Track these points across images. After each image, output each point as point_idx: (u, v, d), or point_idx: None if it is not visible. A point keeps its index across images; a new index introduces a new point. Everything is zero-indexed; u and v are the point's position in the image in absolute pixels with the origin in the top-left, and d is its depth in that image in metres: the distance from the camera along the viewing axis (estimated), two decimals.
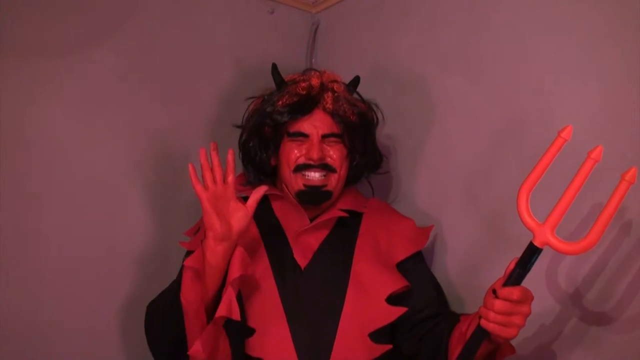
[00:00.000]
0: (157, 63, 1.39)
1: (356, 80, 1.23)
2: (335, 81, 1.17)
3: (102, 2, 1.30)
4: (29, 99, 1.19)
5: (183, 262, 1.07)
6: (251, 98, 1.22)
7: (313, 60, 1.71)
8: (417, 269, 1.12)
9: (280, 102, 1.12)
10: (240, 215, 0.96)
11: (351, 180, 1.21)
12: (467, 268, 1.21)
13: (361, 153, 1.18)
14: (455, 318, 1.01)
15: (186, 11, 1.45)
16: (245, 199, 1.11)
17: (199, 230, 1.13)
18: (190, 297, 0.93)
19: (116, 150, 1.31)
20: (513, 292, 0.79)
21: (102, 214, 1.28)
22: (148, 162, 1.36)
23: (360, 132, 1.16)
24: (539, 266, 1.00)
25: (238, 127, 1.22)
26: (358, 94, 1.23)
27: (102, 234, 1.28)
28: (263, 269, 1.05)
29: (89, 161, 1.27)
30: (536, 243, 0.77)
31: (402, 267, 1.09)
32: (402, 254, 1.10)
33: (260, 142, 1.15)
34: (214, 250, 0.93)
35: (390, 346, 1.01)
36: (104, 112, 1.29)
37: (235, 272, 0.93)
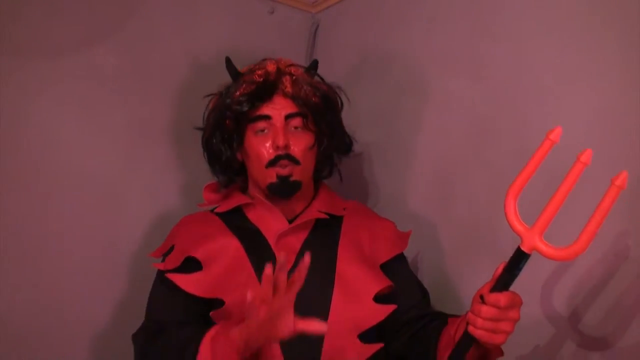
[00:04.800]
0: (157, 63, 1.40)
1: (314, 64, 1.20)
2: (293, 65, 1.14)
3: (101, 2, 1.31)
4: (28, 99, 1.20)
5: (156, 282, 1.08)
6: (209, 95, 1.18)
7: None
8: (401, 271, 1.11)
9: (238, 92, 1.08)
10: (285, 330, 0.81)
11: (321, 166, 1.18)
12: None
13: (329, 136, 1.14)
14: (443, 320, 0.99)
15: (186, 11, 1.46)
16: (220, 215, 1.12)
17: (171, 251, 1.09)
18: None
19: (116, 150, 1.32)
20: (500, 298, 0.77)
21: (101, 213, 1.29)
22: (148, 161, 1.37)
23: (324, 113, 1.12)
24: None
25: (199, 129, 1.18)
26: (320, 76, 1.18)
27: (102, 234, 1.29)
28: (247, 277, 1.02)
29: (88, 161, 1.28)
30: (524, 248, 0.74)
31: (386, 268, 1.07)
32: (385, 256, 1.09)
33: (223, 136, 1.11)
34: (245, 348, 0.85)
35: (381, 345, 0.99)
36: (103, 112, 1.30)
37: None
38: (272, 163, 1.06)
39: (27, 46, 1.21)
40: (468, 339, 0.82)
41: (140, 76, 1.36)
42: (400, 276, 1.09)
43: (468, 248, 1.18)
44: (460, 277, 1.19)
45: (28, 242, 1.18)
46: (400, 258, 1.14)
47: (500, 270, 0.79)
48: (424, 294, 1.13)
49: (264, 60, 1.16)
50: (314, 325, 0.81)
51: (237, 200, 1.14)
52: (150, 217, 1.36)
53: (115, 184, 1.31)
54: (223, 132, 1.11)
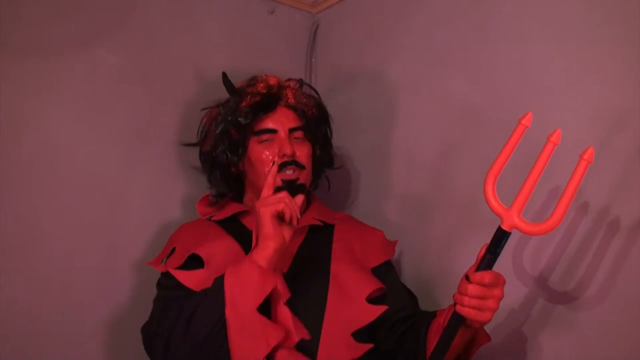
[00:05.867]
0: (157, 63, 1.39)
1: (301, 83, 1.30)
2: (290, 79, 1.26)
3: (101, 2, 1.31)
4: (28, 99, 1.20)
5: (159, 284, 1.09)
6: (206, 109, 1.27)
7: (313, 60, 1.73)
8: (389, 275, 1.16)
9: (243, 104, 1.16)
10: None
11: (314, 176, 1.25)
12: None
13: (321, 145, 1.24)
14: (432, 314, 1.02)
15: (186, 11, 1.46)
16: (219, 222, 1.17)
17: (172, 253, 1.12)
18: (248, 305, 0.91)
19: (115, 150, 1.31)
20: (485, 276, 0.81)
21: (101, 214, 1.28)
22: (147, 162, 1.36)
23: (321, 124, 1.23)
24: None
25: (190, 145, 1.29)
26: (313, 89, 1.31)
27: (102, 234, 1.28)
28: None
29: (88, 161, 1.27)
30: (504, 227, 0.78)
31: (375, 273, 1.11)
32: (375, 261, 1.13)
33: (228, 145, 1.18)
34: (275, 256, 0.93)
35: (372, 345, 1.02)
36: (103, 112, 1.30)
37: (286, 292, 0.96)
38: (278, 169, 1.12)
39: (27, 46, 1.20)
40: (456, 319, 0.85)
41: (139, 76, 1.36)
42: (388, 280, 1.13)
43: (466, 248, 1.18)
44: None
45: (28, 245, 1.18)
46: (388, 264, 1.18)
47: (482, 251, 0.82)
48: (412, 296, 1.17)
49: (260, 75, 1.24)
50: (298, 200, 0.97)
51: (233, 208, 1.20)
52: (150, 217, 1.35)
53: (116, 186, 1.30)
54: (229, 142, 1.18)
